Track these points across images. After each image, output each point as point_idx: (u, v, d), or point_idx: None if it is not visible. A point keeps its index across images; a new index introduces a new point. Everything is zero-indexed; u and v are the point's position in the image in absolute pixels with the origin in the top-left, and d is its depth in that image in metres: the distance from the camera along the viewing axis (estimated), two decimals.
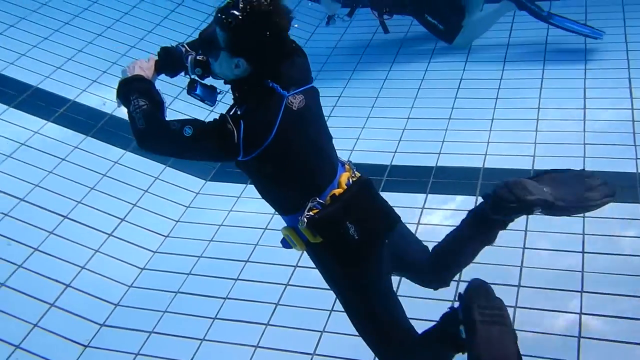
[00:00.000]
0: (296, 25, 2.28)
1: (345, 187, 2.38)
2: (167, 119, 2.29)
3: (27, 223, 3.42)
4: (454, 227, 2.53)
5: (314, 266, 2.40)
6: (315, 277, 2.43)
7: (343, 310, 2.41)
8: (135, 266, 3.36)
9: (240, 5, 2.16)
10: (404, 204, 3.51)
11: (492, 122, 4.10)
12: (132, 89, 2.34)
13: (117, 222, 3.55)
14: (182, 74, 2.50)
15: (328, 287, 2.40)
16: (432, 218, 3.45)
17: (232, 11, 2.17)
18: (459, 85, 4.54)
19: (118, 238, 3.48)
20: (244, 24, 2.17)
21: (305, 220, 2.29)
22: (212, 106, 2.44)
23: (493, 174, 3.66)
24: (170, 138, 2.27)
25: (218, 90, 2.42)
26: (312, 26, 5.60)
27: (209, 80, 2.40)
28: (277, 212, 2.46)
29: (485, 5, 5.07)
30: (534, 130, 3.96)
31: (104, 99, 4.27)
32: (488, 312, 2.31)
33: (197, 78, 2.38)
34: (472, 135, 4.01)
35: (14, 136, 3.88)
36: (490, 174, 3.66)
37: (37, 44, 4.64)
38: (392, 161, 3.91)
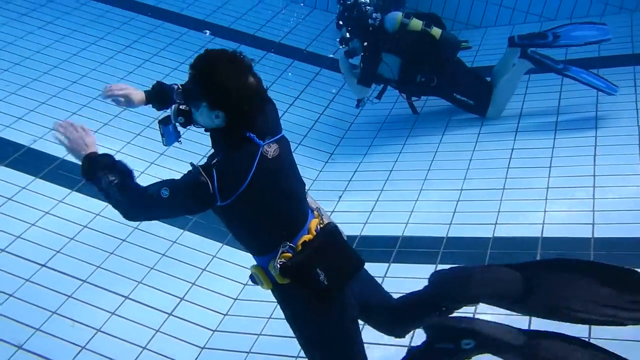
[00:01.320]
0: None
1: (315, 233, 2.52)
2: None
3: (90, 304, 3.48)
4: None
5: None
6: None
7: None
8: (196, 345, 3.37)
9: (215, 66, 2.33)
10: None
11: (547, 190, 4.07)
12: (97, 167, 2.52)
13: (177, 301, 3.59)
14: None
15: None
16: None
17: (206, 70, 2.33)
18: (511, 155, 4.53)
19: (178, 317, 3.50)
20: (219, 82, 2.31)
21: (278, 267, 2.41)
22: (165, 145, 2.70)
23: (552, 243, 3.61)
24: (150, 203, 2.42)
25: (179, 141, 2.67)
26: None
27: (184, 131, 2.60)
28: (247, 251, 2.57)
29: (497, 68, 5.17)
30: (592, 197, 3.91)
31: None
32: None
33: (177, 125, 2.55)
34: (528, 205, 3.98)
35: (76, 219, 3.99)
36: (549, 244, 3.61)
37: (98, 129, 4.81)
38: (447, 233, 3.89)
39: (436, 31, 4.91)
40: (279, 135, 2.51)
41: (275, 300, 2.63)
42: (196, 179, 2.32)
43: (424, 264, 3.64)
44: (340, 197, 4.49)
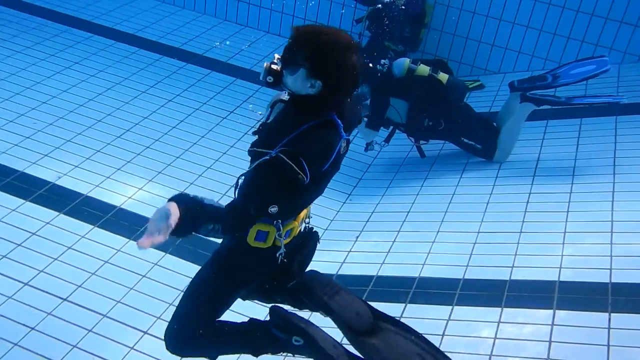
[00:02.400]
0: None
1: (298, 225, 2.75)
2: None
3: (110, 339, 3.52)
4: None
5: None
6: None
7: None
8: None
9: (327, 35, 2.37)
10: (476, 318, 3.51)
11: (564, 234, 4.08)
12: (189, 225, 2.39)
13: None
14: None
15: None
16: (510, 332, 3.41)
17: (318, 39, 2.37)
18: (528, 199, 4.56)
19: None
20: (330, 52, 2.35)
21: (282, 241, 2.63)
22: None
23: (569, 287, 3.61)
24: (247, 212, 2.46)
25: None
26: None
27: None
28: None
29: (501, 113, 5.25)
30: (609, 243, 3.91)
31: None
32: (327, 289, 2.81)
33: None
34: (545, 249, 3.99)
35: (98, 254, 4.06)
36: (566, 288, 3.62)
37: (120, 166, 4.92)
38: (464, 275, 3.91)
39: (443, 76, 5.03)
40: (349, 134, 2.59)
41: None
42: (293, 178, 2.35)
43: (441, 305, 3.66)
44: (358, 237, 4.53)
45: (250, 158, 2.55)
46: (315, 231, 2.92)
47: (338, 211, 4.88)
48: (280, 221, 2.61)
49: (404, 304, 3.74)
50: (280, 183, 2.39)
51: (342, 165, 2.67)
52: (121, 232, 4.27)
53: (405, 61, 5.05)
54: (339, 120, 2.47)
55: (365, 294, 3.84)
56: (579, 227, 4.14)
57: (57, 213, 4.35)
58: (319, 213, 4.69)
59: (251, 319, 3.01)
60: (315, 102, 2.46)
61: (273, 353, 3.03)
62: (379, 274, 4.05)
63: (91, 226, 4.29)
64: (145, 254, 3.81)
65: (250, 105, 5.98)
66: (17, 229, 4.14)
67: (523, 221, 4.32)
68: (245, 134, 5.41)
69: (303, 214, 2.79)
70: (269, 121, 2.65)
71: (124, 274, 3.94)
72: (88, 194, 4.57)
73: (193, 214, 2.35)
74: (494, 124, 5.23)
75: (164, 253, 4.12)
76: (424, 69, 5.03)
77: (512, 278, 3.80)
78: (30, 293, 3.70)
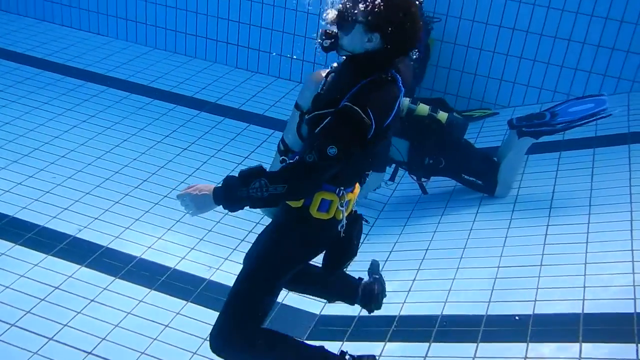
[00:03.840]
0: None
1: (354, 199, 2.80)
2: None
3: None
4: None
5: None
6: None
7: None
8: None
9: None
10: (502, 355, 3.48)
11: (585, 266, 4.06)
12: (234, 196, 2.48)
13: None
14: None
15: None
16: None
17: None
18: (546, 232, 4.55)
19: None
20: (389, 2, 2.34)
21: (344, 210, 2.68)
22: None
23: (593, 319, 3.59)
24: (322, 172, 2.41)
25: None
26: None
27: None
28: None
29: (501, 149, 5.31)
30: (631, 272, 3.89)
31: (204, 265, 4.49)
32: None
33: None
34: (567, 281, 3.98)
35: (120, 306, 4.08)
36: (590, 320, 3.59)
37: (139, 217, 4.97)
38: (487, 311, 3.89)
39: (442, 115, 5.12)
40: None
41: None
42: (360, 121, 2.33)
43: (465, 342, 3.64)
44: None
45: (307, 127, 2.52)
46: (359, 213, 2.95)
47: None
48: (343, 189, 2.63)
49: (428, 343, 3.72)
50: (350, 132, 2.36)
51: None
52: (142, 283, 4.29)
53: (405, 101, 5.12)
54: (397, 75, 2.46)
55: (389, 335, 3.84)
56: (600, 257, 4.13)
57: (79, 266, 4.39)
58: None
59: (323, 348, 2.96)
60: (375, 58, 2.43)
61: None
62: (401, 314, 4.04)
63: (112, 278, 4.32)
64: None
65: None
66: (40, 284, 4.17)
67: (543, 254, 4.31)
68: None
69: (357, 189, 2.80)
70: (321, 92, 2.61)
71: (147, 325, 3.95)
72: (108, 246, 4.61)
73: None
74: (495, 159, 5.26)
75: (185, 302, 4.14)
76: (423, 109, 5.12)
77: (536, 312, 3.78)
78: (55, 348, 3.71)
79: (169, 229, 4.86)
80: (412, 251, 4.75)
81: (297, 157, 2.45)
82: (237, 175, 2.53)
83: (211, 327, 2.89)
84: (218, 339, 2.75)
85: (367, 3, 2.37)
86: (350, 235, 2.83)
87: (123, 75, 7.27)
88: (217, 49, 7.77)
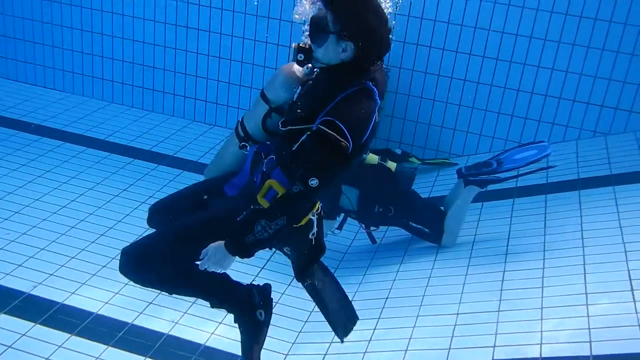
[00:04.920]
0: None
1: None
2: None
3: None
4: None
5: None
6: None
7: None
8: None
9: None
10: None
11: (541, 310, 4.12)
12: (245, 243, 2.58)
13: None
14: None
15: None
16: None
17: None
18: (503, 277, 4.63)
19: None
20: (357, 7, 2.38)
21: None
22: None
23: None
24: (311, 196, 2.54)
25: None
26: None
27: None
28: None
29: (449, 198, 5.41)
30: (586, 315, 3.97)
31: (164, 320, 4.42)
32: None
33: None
34: (524, 326, 4.03)
35: None
36: None
37: (96, 272, 4.89)
38: (447, 358, 3.91)
39: (391, 164, 5.23)
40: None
41: None
42: (336, 145, 2.39)
43: None
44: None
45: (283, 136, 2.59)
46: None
47: (311, 311, 4.85)
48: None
49: None
50: (328, 157, 2.43)
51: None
52: (100, 339, 4.20)
53: None
54: (373, 87, 2.48)
55: None
56: (556, 301, 4.20)
57: (33, 323, 4.28)
58: (298, 305, 4.69)
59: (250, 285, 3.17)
60: (349, 68, 2.46)
61: (229, 311, 3.16)
62: None
63: (68, 335, 4.22)
64: None
65: None
66: None
67: (500, 300, 4.36)
68: None
69: None
70: (297, 102, 2.65)
71: None
72: (64, 302, 4.52)
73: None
74: (442, 208, 5.36)
75: (144, 357, 4.07)
76: (373, 158, 5.23)
77: (495, 358, 3.81)
78: None
79: (126, 284, 4.76)
80: (373, 300, 4.76)
81: (299, 184, 2.52)
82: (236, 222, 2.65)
83: None
84: (127, 260, 2.89)
85: (336, 14, 2.42)
86: (319, 238, 2.97)
87: (80, 130, 7.23)
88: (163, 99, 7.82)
